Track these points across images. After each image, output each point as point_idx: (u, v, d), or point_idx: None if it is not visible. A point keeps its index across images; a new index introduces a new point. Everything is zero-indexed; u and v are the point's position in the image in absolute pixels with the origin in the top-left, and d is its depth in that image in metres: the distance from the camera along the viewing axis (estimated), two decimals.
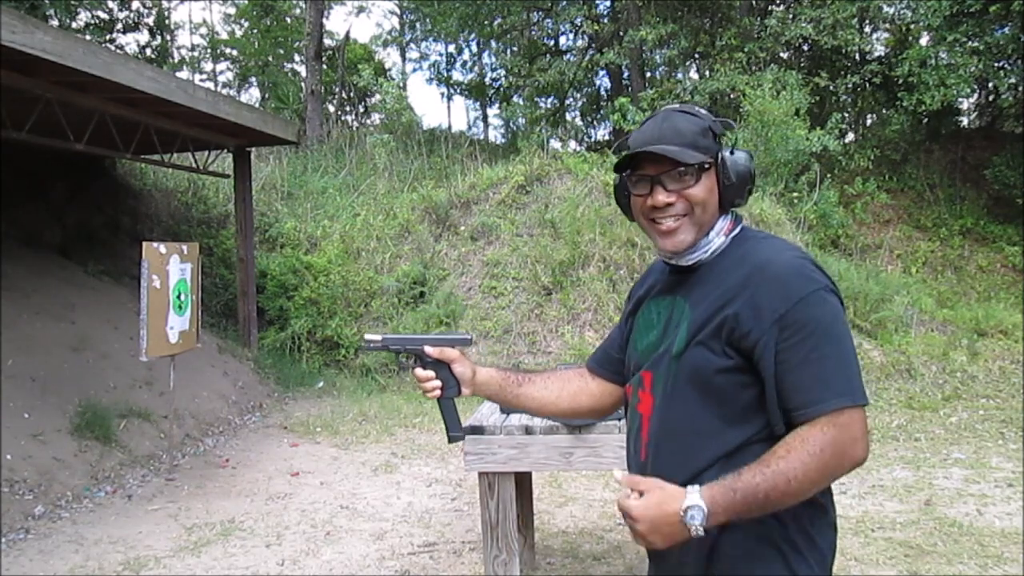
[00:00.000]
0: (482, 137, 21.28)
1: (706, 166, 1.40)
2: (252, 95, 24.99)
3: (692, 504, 1.22)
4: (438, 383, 1.61)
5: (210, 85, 23.35)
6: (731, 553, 1.34)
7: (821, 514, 1.36)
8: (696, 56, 14.99)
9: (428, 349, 1.61)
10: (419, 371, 1.61)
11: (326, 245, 9.82)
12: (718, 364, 1.33)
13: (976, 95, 14.25)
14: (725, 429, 1.34)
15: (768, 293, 1.29)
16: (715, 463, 1.33)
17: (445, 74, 23.37)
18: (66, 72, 5.00)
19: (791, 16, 12.58)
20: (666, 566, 1.44)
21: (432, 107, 54.70)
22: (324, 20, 17.39)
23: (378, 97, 17.70)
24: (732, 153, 1.41)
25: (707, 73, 13.79)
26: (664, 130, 1.41)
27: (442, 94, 28.98)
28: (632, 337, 1.55)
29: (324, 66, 17.19)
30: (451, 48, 22.99)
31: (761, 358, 1.29)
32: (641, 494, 1.27)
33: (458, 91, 23.72)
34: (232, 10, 25.17)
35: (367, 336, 1.66)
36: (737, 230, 1.44)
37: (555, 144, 14.92)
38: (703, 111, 1.46)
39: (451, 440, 1.66)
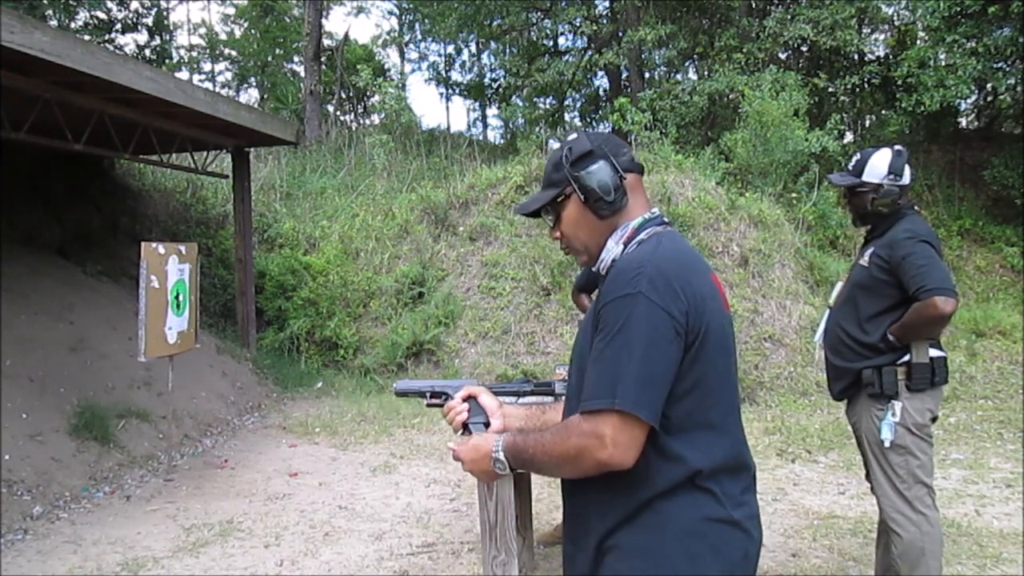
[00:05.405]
0: (481, 137, 21.27)
1: (559, 199, 1.52)
2: (251, 95, 25.03)
3: (495, 448, 1.45)
4: (466, 406, 1.70)
5: (209, 85, 23.35)
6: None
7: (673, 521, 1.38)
8: (695, 57, 14.99)
9: (454, 394, 1.73)
10: (450, 402, 1.72)
11: (325, 245, 9.81)
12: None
13: (975, 96, 14.23)
14: None
15: (602, 290, 1.42)
16: None
17: (444, 74, 23.37)
18: (65, 72, 5.00)
19: (790, 17, 12.57)
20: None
21: (431, 107, 54.78)
22: (323, 20, 17.41)
23: (377, 97, 17.71)
24: (586, 170, 1.47)
25: (706, 74, 13.79)
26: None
27: (441, 94, 29.07)
28: None
29: (323, 66, 17.19)
30: (450, 48, 22.97)
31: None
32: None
33: (457, 91, 23.72)
34: (231, 10, 25.21)
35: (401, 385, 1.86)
36: (642, 236, 1.47)
37: (554, 144, 14.88)
38: (572, 136, 1.52)
39: None
